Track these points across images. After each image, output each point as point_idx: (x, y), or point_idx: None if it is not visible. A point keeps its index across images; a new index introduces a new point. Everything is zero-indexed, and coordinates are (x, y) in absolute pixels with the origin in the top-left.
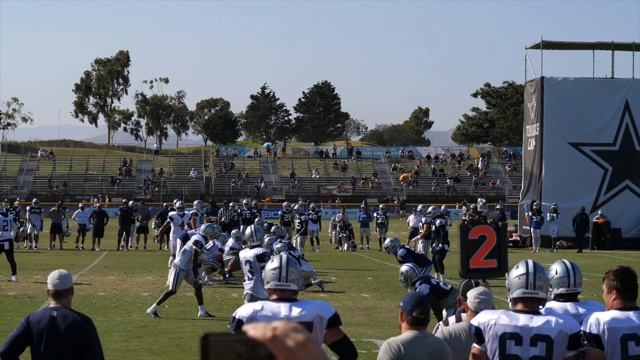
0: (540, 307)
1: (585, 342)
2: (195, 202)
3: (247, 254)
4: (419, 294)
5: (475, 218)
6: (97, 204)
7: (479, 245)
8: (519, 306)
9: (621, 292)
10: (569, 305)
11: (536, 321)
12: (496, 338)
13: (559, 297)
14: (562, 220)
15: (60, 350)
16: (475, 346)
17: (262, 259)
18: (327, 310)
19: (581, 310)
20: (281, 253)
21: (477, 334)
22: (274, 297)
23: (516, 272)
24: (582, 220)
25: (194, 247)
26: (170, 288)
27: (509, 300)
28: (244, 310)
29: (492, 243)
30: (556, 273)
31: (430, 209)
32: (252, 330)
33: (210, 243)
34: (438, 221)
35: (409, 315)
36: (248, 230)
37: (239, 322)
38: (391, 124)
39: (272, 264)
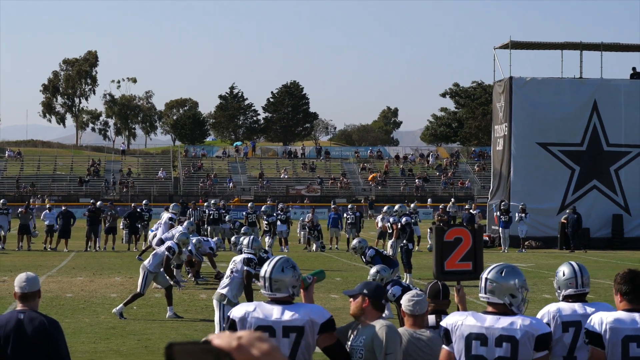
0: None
1: (587, 339)
2: (171, 205)
3: (237, 257)
4: (380, 283)
5: (444, 218)
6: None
7: (454, 247)
8: (489, 307)
9: (627, 295)
10: (577, 306)
11: (502, 322)
12: (462, 338)
13: (567, 298)
14: (531, 220)
15: (27, 353)
16: (444, 347)
17: (247, 262)
18: (321, 314)
19: (589, 310)
20: (272, 259)
21: (446, 335)
22: (269, 299)
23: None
24: (575, 220)
25: (166, 252)
26: (138, 290)
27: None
28: (237, 311)
29: (468, 245)
30: (564, 275)
31: (396, 207)
32: (217, 340)
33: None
34: (404, 219)
35: (378, 301)
36: (246, 240)
37: (232, 322)
38: (360, 123)
39: (262, 271)
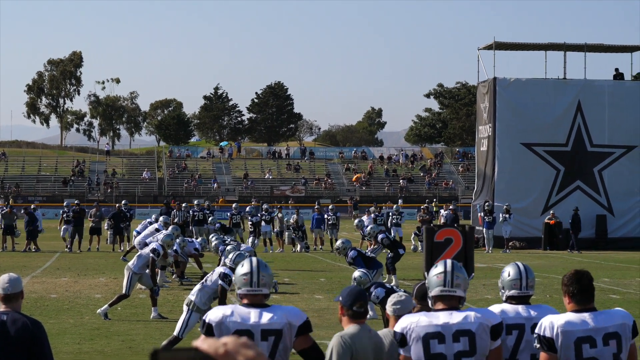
0: (460, 305)
1: (538, 345)
2: (162, 218)
3: (218, 268)
4: (358, 288)
5: (427, 218)
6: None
7: (445, 248)
8: (439, 305)
9: (575, 295)
10: (520, 308)
11: (456, 317)
12: (419, 340)
13: (510, 300)
14: (515, 221)
15: (10, 355)
16: (400, 352)
17: (223, 278)
18: (298, 317)
19: (533, 313)
20: (251, 257)
21: (401, 340)
22: (245, 301)
23: (435, 271)
24: (576, 220)
25: (150, 254)
26: (123, 291)
27: (428, 298)
28: (214, 315)
29: (458, 246)
30: (509, 275)
31: (368, 229)
32: (204, 345)
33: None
34: (380, 237)
35: (349, 309)
36: (230, 255)
37: (209, 327)
38: (344, 124)
39: (243, 269)
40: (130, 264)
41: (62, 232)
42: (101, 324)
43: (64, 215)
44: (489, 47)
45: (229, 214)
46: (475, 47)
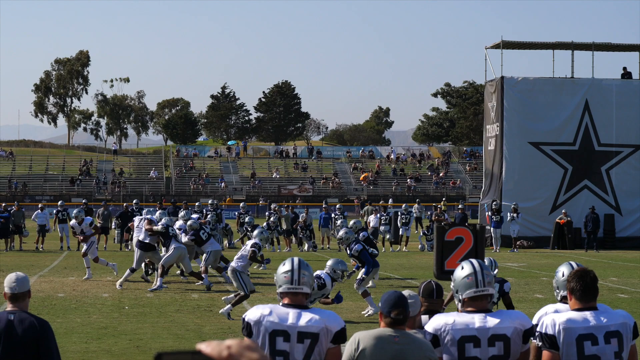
0: (489, 302)
1: (540, 343)
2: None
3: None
4: (396, 294)
5: (441, 218)
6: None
7: (456, 247)
8: (470, 305)
9: (577, 293)
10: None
11: (491, 321)
12: (454, 343)
13: (565, 300)
14: (523, 220)
15: (17, 354)
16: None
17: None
18: (336, 322)
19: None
20: (292, 256)
21: (434, 341)
22: (286, 301)
23: (462, 274)
24: (593, 220)
25: (250, 249)
26: (242, 293)
27: (457, 302)
28: (252, 314)
29: (469, 245)
30: (563, 275)
31: (351, 223)
32: (207, 348)
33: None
34: (354, 247)
35: (387, 317)
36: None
37: (248, 325)
38: (351, 123)
39: (284, 267)
40: (234, 265)
41: (60, 232)
42: (108, 323)
43: (58, 214)
44: (496, 46)
45: (236, 213)
46: (482, 46)
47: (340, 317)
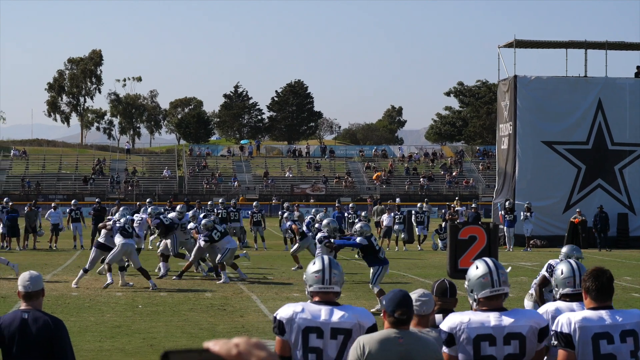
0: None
1: (556, 342)
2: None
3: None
4: (401, 294)
5: (455, 217)
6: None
7: (469, 246)
8: (485, 304)
9: (593, 292)
10: (575, 305)
11: (506, 320)
12: (470, 342)
13: (564, 297)
14: (536, 219)
15: (32, 353)
16: (445, 350)
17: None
18: (368, 318)
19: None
20: (323, 256)
21: (449, 339)
22: (316, 299)
23: (477, 273)
24: (602, 219)
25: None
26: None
27: (471, 301)
28: (284, 312)
29: (483, 244)
30: (562, 273)
31: (357, 226)
32: (215, 346)
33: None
34: (359, 239)
35: (390, 316)
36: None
37: (280, 323)
38: (364, 122)
39: (314, 266)
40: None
41: (73, 231)
42: (122, 321)
43: (72, 213)
44: (509, 45)
45: (249, 212)
46: (495, 45)
47: (371, 313)
